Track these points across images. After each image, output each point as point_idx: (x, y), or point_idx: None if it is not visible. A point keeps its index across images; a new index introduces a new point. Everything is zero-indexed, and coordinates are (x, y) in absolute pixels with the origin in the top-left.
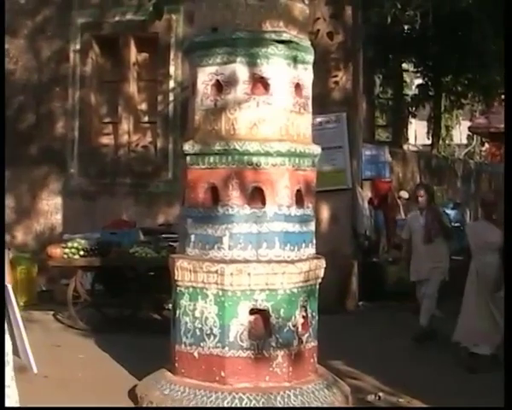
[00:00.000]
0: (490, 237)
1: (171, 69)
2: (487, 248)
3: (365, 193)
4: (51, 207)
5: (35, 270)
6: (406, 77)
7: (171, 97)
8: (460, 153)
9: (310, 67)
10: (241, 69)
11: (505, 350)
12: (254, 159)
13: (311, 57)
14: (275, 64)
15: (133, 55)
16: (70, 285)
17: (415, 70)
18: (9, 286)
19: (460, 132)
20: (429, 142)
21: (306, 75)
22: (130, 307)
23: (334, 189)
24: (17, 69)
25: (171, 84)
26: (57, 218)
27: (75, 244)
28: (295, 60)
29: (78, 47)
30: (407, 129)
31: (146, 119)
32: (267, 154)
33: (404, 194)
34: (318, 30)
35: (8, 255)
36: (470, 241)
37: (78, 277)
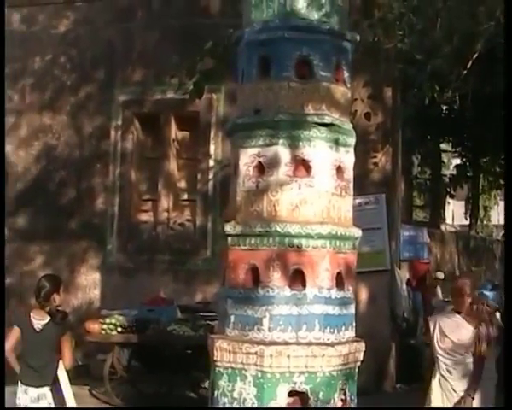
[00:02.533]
0: None
1: (212, 148)
2: None
3: (403, 274)
4: (89, 282)
5: (72, 344)
6: (444, 157)
7: (211, 176)
8: (498, 233)
9: (351, 150)
10: (283, 151)
11: (505, 350)
12: (295, 241)
13: (352, 140)
14: (317, 147)
15: (173, 132)
16: (107, 361)
17: (453, 150)
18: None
19: (498, 213)
20: (467, 222)
21: (348, 158)
22: (167, 384)
23: (372, 270)
24: (59, 144)
25: (211, 162)
26: (95, 293)
27: (113, 320)
28: (337, 142)
29: (119, 124)
30: (444, 209)
31: (185, 196)
32: (308, 236)
33: (440, 275)
34: (356, 111)
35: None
36: None
37: (116, 353)
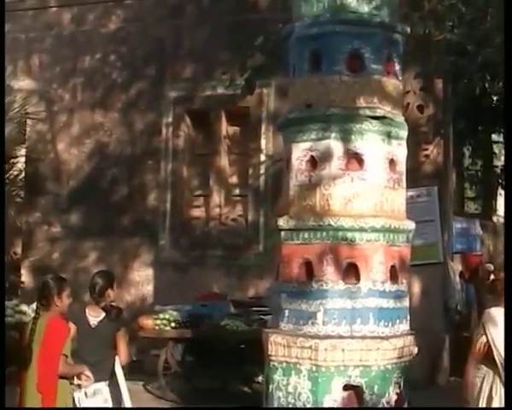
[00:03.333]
0: None
1: (263, 143)
2: None
3: (456, 267)
4: (142, 278)
5: (126, 340)
6: (495, 148)
7: (262, 171)
8: None
9: (404, 143)
10: (335, 145)
11: (505, 350)
12: (349, 234)
13: (404, 133)
14: (369, 140)
15: (224, 128)
16: (161, 356)
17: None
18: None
19: None
20: None
21: (400, 151)
22: (220, 379)
23: (425, 263)
24: (111, 142)
25: (262, 157)
26: (148, 289)
27: (167, 316)
28: (389, 135)
29: (170, 120)
30: (496, 200)
31: (237, 191)
32: (362, 229)
33: (490, 267)
34: (408, 103)
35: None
36: None
37: (169, 348)
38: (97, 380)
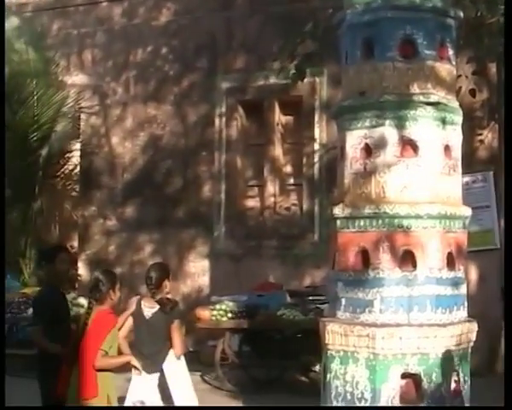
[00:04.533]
0: None
1: (316, 131)
2: None
3: None
4: (198, 270)
5: (182, 331)
6: None
7: (316, 159)
8: None
9: (458, 128)
10: (389, 132)
11: (505, 350)
12: (405, 222)
13: (459, 118)
14: (424, 126)
15: (277, 117)
16: (218, 347)
17: None
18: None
19: None
20: None
21: (455, 136)
22: (278, 368)
23: (482, 249)
24: (164, 134)
25: (316, 146)
26: (204, 280)
27: (223, 306)
28: (444, 121)
29: (223, 111)
30: None
31: (291, 181)
32: (417, 216)
33: None
34: (460, 88)
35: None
36: None
37: (226, 338)
38: (152, 371)
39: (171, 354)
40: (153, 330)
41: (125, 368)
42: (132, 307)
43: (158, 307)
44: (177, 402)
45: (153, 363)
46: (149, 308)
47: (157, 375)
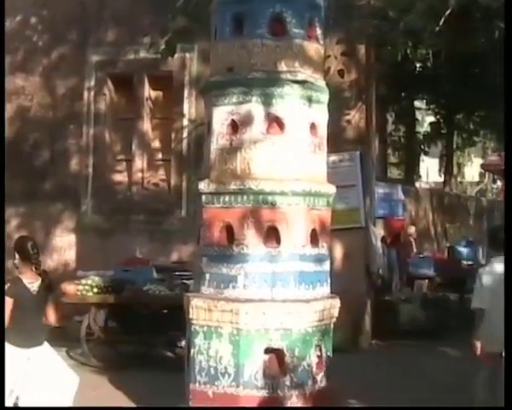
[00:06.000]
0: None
1: (185, 107)
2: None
3: (378, 231)
4: (65, 244)
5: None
6: (418, 114)
7: (185, 135)
8: (472, 190)
9: (325, 107)
10: (256, 109)
11: (505, 350)
12: (270, 198)
13: (326, 97)
14: (290, 104)
15: (147, 92)
16: (83, 322)
17: (427, 108)
18: None
19: (472, 170)
20: (441, 179)
21: (321, 115)
22: (144, 344)
23: (347, 227)
24: (32, 106)
25: (185, 121)
26: (71, 254)
27: (89, 281)
28: (310, 100)
29: (92, 85)
30: (419, 166)
31: (160, 156)
32: (282, 193)
33: (411, 228)
34: (329, 68)
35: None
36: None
37: (92, 314)
38: (32, 346)
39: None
40: (38, 303)
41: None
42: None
43: (40, 279)
44: (57, 376)
45: (36, 337)
46: (32, 282)
47: (38, 348)
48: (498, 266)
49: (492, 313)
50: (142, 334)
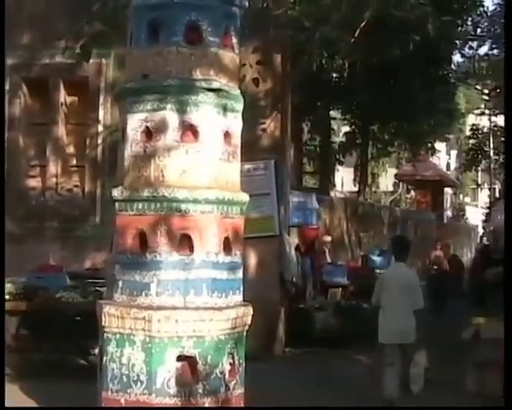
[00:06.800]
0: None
1: (101, 113)
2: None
3: (292, 240)
4: None
5: None
6: (334, 124)
7: (100, 141)
8: (386, 200)
9: (239, 116)
10: (170, 116)
11: (505, 350)
12: (183, 206)
13: (240, 106)
14: (204, 112)
15: (62, 97)
16: None
17: (342, 117)
18: None
19: (386, 180)
20: (356, 189)
21: (236, 123)
22: (57, 352)
23: (261, 235)
24: None
25: (100, 128)
26: None
27: None
28: (225, 108)
29: (6, 88)
30: (334, 176)
31: (74, 162)
32: (196, 201)
33: (327, 237)
34: (244, 76)
35: None
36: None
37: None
38: None
39: None
40: None
41: None
42: None
43: None
44: None
45: None
46: None
47: None
48: (395, 270)
49: (386, 309)
50: (54, 341)
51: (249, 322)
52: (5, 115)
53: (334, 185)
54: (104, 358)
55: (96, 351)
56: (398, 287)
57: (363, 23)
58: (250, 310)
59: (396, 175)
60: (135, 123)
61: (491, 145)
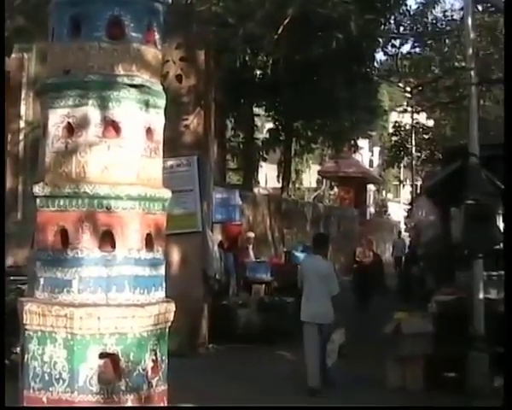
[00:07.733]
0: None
1: (22, 109)
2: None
3: (216, 236)
4: None
5: None
6: (257, 121)
7: (21, 137)
8: (309, 196)
9: (161, 112)
10: (92, 112)
11: (505, 349)
12: (105, 202)
13: (162, 102)
14: (126, 108)
15: None
16: None
17: (266, 114)
18: None
19: (310, 176)
20: (280, 185)
21: (158, 119)
22: None
23: (184, 232)
24: None
25: (22, 123)
26: None
27: None
28: (147, 104)
29: None
30: (258, 172)
31: None
32: (117, 197)
33: (250, 234)
34: (168, 72)
35: None
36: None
37: None
38: None
39: None
40: None
41: None
42: None
43: None
44: None
45: None
46: None
47: None
48: (313, 261)
49: (306, 295)
50: None
51: (172, 318)
52: (5, 115)
53: (258, 182)
54: (26, 356)
55: (18, 349)
56: (316, 276)
57: (287, 20)
58: (172, 306)
59: (319, 172)
60: (56, 119)
61: (413, 142)
